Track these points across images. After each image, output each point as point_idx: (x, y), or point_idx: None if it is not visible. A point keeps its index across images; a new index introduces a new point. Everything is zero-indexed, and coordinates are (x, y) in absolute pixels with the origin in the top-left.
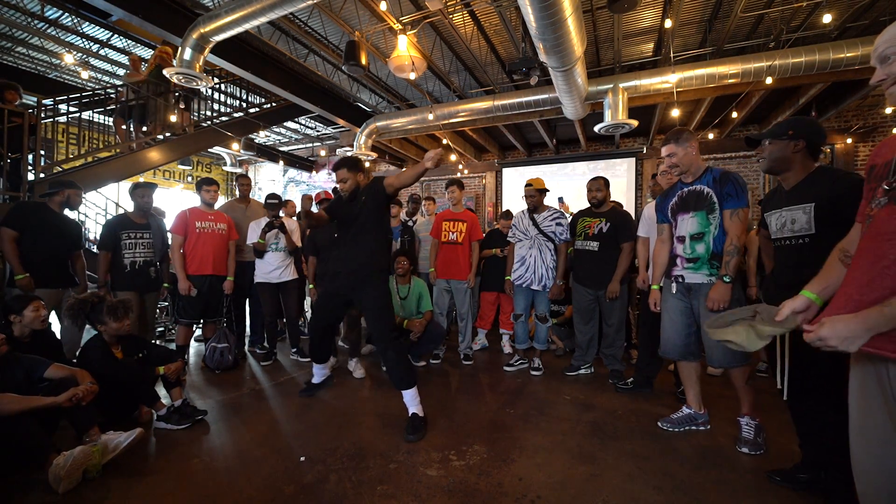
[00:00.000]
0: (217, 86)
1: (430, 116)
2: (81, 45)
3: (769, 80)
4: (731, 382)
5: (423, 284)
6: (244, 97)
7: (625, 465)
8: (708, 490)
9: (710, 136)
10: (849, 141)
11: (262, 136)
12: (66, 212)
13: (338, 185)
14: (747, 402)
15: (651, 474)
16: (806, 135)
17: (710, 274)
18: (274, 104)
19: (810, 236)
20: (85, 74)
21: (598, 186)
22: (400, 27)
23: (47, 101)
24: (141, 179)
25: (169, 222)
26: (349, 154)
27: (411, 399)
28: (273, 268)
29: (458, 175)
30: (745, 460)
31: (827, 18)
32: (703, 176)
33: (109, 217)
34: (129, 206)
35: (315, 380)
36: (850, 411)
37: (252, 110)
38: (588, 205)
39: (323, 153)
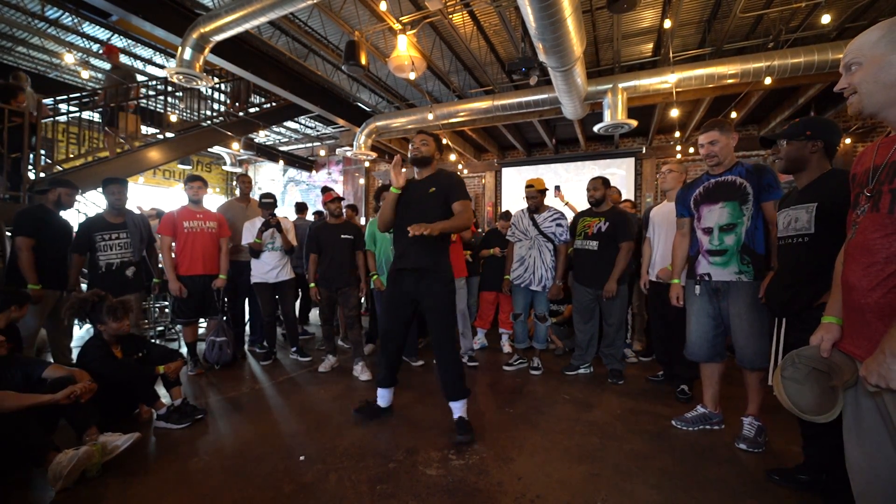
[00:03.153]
0: (217, 85)
1: (430, 116)
2: (81, 44)
3: (768, 81)
4: (745, 382)
5: None
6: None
7: (624, 464)
8: (707, 489)
9: (701, 138)
10: (847, 141)
11: (261, 136)
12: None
13: (413, 146)
14: (755, 403)
15: (650, 473)
16: (824, 135)
17: (739, 271)
18: (274, 104)
19: (809, 236)
20: (85, 74)
21: (597, 185)
22: (400, 27)
23: (47, 101)
24: (141, 179)
25: None
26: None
27: (460, 406)
28: (270, 267)
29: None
30: (745, 459)
31: (826, 19)
32: (733, 168)
33: (86, 217)
34: (130, 205)
35: (381, 402)
36: (843, 413)
37: (252, 110)
38: (588, 204)
39: (323, 153)
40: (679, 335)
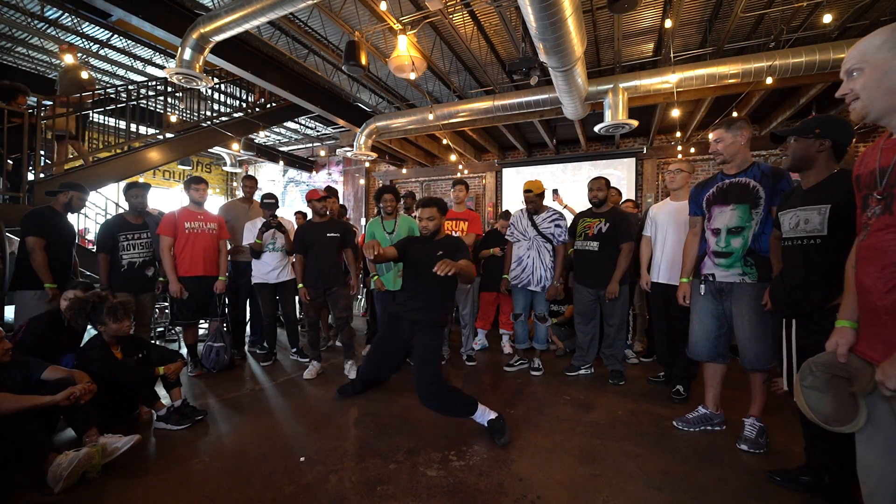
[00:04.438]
0: (217, 86)
1: (430, 116)
2: (81, 45)
3: (769, 80)
4: (749, 382)
5: (411, 219)
6: (244, 97)
7: (625, 465)
8: (709, 490)
9: (711, 136)
10: None
11: (261, 136)
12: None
13: (421, 222)
14: (758, 404)
15: (651, 474)
16: (833, 135)
17: (743, 273)
18: (274, 104)
19: (821, 238)
20: (84, 74)
21: (600, 186)
22: (400, 27)
23: (47, 102)
24: (141, 179)
25: None
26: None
27: (480, 414)
28: (271, 268)
29: (459, 175)
30: (747, 460)
31: (827, 18)
32: (748, 169)
33: (107, 218)
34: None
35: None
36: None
37: (252, 110)
38: (589, 204)
39: (323, 153)
40: (682, 335)
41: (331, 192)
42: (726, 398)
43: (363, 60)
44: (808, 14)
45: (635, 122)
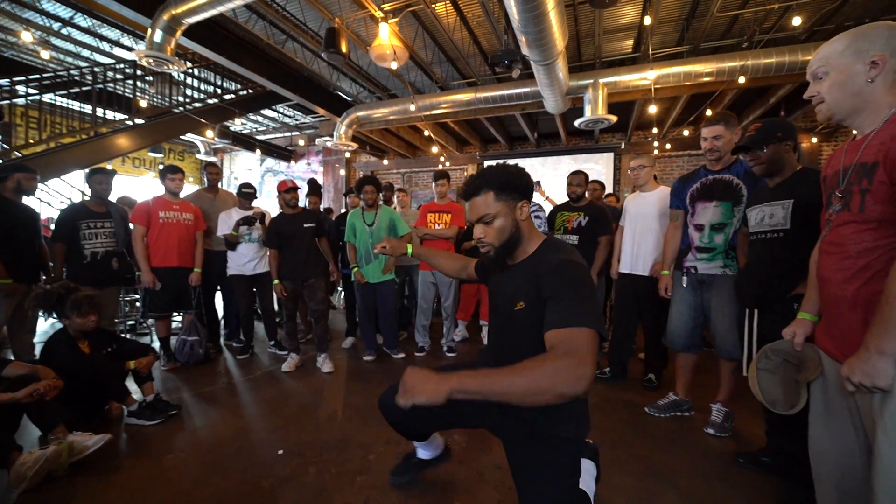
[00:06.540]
0: (190, 70)
1: (412, 107)
2: (41, 22)
3: (742, 80)
4: (719, 370)
5: (391, 211)
6: (219, 83)
7: (599, 451)
8: (678, 473)
9: (686, 132)
10: (814, 140)
11: (237, 124)
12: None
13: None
14: (725, 391)
15: (625, 460)
16: (791, 134)
17: (724, 265)
18: (250, 91)
19: (784, 231)
20: (45, 54)
21: (579, 182)
22: (381, 15)
23: (3, 82)
24: (109, 166)
25: None
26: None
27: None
28: (247, 259)
29: (440, 167)
30: (713, 444)
31: (796, 21)
32: (733, 166)
33: (66, 206)
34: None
35: (422, 455)
36: (811, 397)
37: (227, 97)
38: (567, 198)
39: (301, 143)
40: (655, 326)
41: (314, 188)
42: (698, 386)
43: (344, 48)
44: (779, 16)
45: (614, 118)
